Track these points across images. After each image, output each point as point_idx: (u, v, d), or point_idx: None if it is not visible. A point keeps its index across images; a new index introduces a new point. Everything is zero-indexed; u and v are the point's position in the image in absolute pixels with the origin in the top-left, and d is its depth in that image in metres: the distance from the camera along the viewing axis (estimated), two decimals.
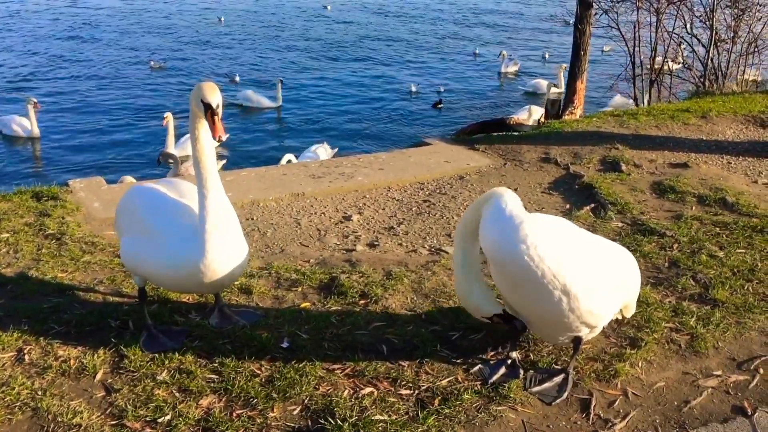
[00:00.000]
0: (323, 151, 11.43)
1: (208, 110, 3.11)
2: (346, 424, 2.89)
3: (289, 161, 10.18)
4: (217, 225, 3.17)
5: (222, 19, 27.47)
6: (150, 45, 23.16)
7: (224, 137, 3.12)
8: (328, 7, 31.23)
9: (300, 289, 4.08)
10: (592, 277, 3.00)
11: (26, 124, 13.55)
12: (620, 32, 13.37)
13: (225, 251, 3.19)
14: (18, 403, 2.96)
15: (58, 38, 23.75)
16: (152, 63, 20.16)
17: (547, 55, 22.18)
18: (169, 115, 11.82)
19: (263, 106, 16.40)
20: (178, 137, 12.20)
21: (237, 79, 18.81)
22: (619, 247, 3.44)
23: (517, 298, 3.12)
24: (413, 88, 18.11)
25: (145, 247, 3.32)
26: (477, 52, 23.05)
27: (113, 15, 28.39)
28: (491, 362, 3.37)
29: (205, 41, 24.02)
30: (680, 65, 13.62)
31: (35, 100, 13.66)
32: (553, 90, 14.87)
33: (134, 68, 20.13)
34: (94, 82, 18.54)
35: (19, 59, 20.74)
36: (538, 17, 26.90)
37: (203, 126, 3.17)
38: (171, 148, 11.72)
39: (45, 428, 2.84)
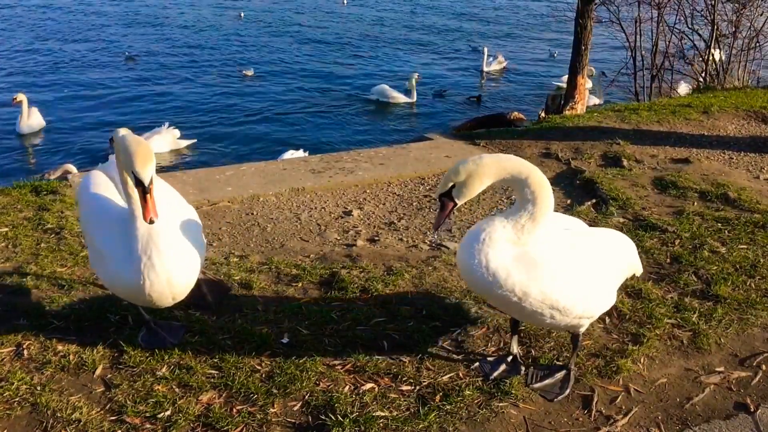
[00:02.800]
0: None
1: (140, 185, 2.77)
2: (347, 420, 2.88)
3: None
4: (148, 247, 2.92)
5: (242, 14, 27.61)
6: (167, 38, 23.26)
7: (156, 220, 2.78)
8: (344, 2, 31.37)
9: (300, 284, 4.07)
10: (583, 287, 2.95)
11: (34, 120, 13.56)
12: (621, 27, 13.35)
13: (161, 272, 2.94)
14: (17, 399, 2.95)
15: (68, 30, 23.83)
16: (126, 54, 20.31)
17: (556, 54, 21.86)
18: (20, 95, 11.94)
19: (398, 102, 16.42)
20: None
21: (251, 72, 18.88)
22: (608, 233, 3.39)
23: (508, 312, 3.11)
24: (408, 86, 18.04)
25: (95, 261, 3.20)
26: (479, 49, 22.96)
27: (131, 8, 28.48)
28: (492, 358, 3.36)
29: (224, 36, 24.16)
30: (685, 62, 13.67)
31: (18, 97, 13.30)
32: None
33: (148, 60, 20.21)
34: (106, 74, 18.60)
35: (37, 48, 20.85)
36: (546, 13, 26.71)
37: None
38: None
39: (44, 424, 2.83)
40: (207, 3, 30.03)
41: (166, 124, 12.61)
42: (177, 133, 12.53)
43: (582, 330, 3.16)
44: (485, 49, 19.93)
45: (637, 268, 3.38)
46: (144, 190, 2.76)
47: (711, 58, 12.64)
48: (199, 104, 16.32)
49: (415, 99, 16.50)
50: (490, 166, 2.86)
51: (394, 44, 23.67)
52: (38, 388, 3.02)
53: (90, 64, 19.54)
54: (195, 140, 12.86)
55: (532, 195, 2.83)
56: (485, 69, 19.69)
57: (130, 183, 2.86)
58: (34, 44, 21.68)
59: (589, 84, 17.52)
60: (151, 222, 2.78)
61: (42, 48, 21.33)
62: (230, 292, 3.92)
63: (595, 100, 14.33)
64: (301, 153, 11.02)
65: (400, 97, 16.39)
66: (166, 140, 12.27)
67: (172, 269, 2.96)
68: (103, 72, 18.80)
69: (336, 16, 28.57)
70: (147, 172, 2.75)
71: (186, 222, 3.21)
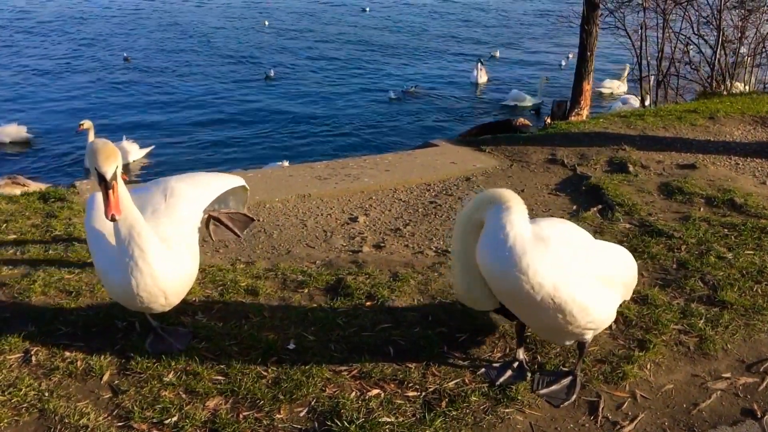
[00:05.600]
0: None
1: (102, 182, 2.79)
2: (353, 426, 2.88)
3: None
4: (130, 247, 2.98)
5: (266, 22, 27.94)
6: (189, 45, 23.66)
7: (118, 217, 2.80)
8: (367, 9, 31.64)
9: (306, 290, 4.08)
10: (594, 292, 2.95)
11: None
12: (627, 33, 13.35)
13: (146, 270, 2.99)
14: (25, 405, 2.97)
15: (94, 36, 24.31)
16: (123, 56, 20.66)
17: (563, 63, 21.83)
18: (86, 122, 11.85)
19: (527, 104, 17.26)
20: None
21: (272, 74, 19.73)
22: (616, 247, 3.37)
23: (516, 311, 3.09)
24: (397, 93, 18.29)
25: (95, 265, 3.28)
26: (497, 55, 23.10)
27: (155, 15, 28.86)
28: (498, 364, 3.36)
29: (248, 42, 24.66)
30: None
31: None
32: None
33: (168, 64, 20.62)
34: (127, 78, 18.92)
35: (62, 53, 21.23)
36: (553, 20, 26.74)
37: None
38: None
39: (52, 430, 2.85)
40: (233, 12, 30.46)
41: (124, 137, 12.80)
42: (136, 146, 12.79)
43: (587, 339, 3.15)
44: (477, 65, 20.12)
45: (631, 290, 3.40)
46: (107, 186, 2.79)
47: (717, 63, 12.61)
48: (222, 108, 16.62)
49: (541, 100, 17.30)
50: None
51: (414, 51, 23.97)
52: (46, 394, 3.04)
53: (92, 67, 19.96)
54: (153, 146, 13.06)
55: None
56: (479, 81, 19.88)
57: (115, 185, 2.87)
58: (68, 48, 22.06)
59: (623, 87, 17.62)
60: (113, 219, 2.81)
61: (62, 50, 21.72)
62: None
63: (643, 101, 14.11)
64: (286, 164, 11.02)
65: (530, 100, 17.28)
66: (128, 152, 12.47)
67: (156, 267, 3.01)
68: (161, 76, 19.24)
69: (358, 23, 28.87)
70: (109, 167, 2.78)
71: (178, 222, 3.27)
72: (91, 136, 11.63)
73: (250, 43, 24.28)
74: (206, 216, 3.69)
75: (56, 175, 11.86)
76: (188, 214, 3.38)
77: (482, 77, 19.90)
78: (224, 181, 3.81)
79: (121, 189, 2.92)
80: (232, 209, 4.08)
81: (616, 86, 18.38)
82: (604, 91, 18.55)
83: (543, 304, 2.86)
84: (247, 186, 4.00)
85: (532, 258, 2.82)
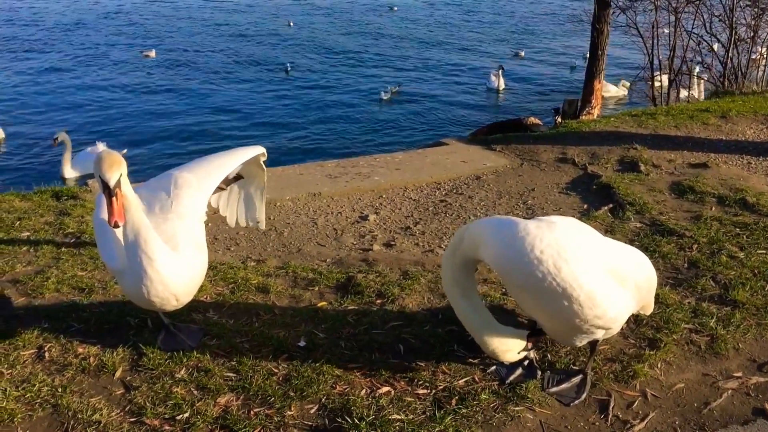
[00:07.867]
0: None
1: (105, 189, 2.82)
2: (363, 423, 2.89)
3: None
4: (137, 255, 2.98)
5: (291, 22, 28.14)
6: (215, 45, 23.93)
7: (121, 224, 2.83)
8: (395, 8, 31.70)
9: (317, 288, 4.09)
10: (601, 283, 2.90)
11: None
12: (638, 32, 13.29)
13: (154, 277, 3.01)
14: (38, 400, 3.00)
15: (126, 42, 24.45)
16: (143, 53, 21.06)
17: (576, 63, 21.69)
18: (62, 135, 11.76)
19: (613, 95, 18.05)
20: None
21: (288, 69, 20.40)
22: (632, 248, 3.33)
23: (528, 305, 3.07)
24: (390, 91, 18.36)
25: (104, 262, 3.32)
26: (522, 54, 23.12)
27: (189, 15, 29.21)
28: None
29: (273, 42, 24.93)
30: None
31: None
32: None
33: (187, 62, 20.96)
34: (137, 76, 19.18)
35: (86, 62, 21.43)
36: (563, 20, 26.61)
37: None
38: (68, 167, 11.55)
39: (65, 425, 2.87)
40: (260, 11, 30.71)
41: (97, 142, 12.66)
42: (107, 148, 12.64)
43: (598, 337, 3.12)
44: (499, 71, 20.01)
45: (649, 296, 3.33)
46: (110, 194, 2.81)
47: (729, 62, 12.53)
48: (239, 108, 16.75)
49: (626, 91, 18.28)
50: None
51: (436, 49, 24.08)
52: (59, 389, 3.07)
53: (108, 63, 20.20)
54: (125, 149, 13.01)
55: None
56: (499, 87, 19.75)
57: (119, 193, 2.88)
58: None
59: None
60: (116, 226, 2.84)
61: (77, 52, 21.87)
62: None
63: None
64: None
65: (615, 90, 18.17)
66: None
67: (165, 273, 3.03)
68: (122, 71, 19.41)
69: (383, 21, 28.97)
70: (112, 175, 2.80)
71: (183, 223, 3.28)
72: (68, 149, 11.60)
73: (272, 42, 24.45)
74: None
75: (27, 175, 11.67)
76: (193, 205, 3.39)
77: (501, 83, 19.75)
78: (231, 160, 3.77)
79: (128, 192, 2.95)
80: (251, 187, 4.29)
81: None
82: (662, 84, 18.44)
83: (546, 284, 2.80)
84: (264, 153, 4.00)
85: (528, 229, 2.86)
